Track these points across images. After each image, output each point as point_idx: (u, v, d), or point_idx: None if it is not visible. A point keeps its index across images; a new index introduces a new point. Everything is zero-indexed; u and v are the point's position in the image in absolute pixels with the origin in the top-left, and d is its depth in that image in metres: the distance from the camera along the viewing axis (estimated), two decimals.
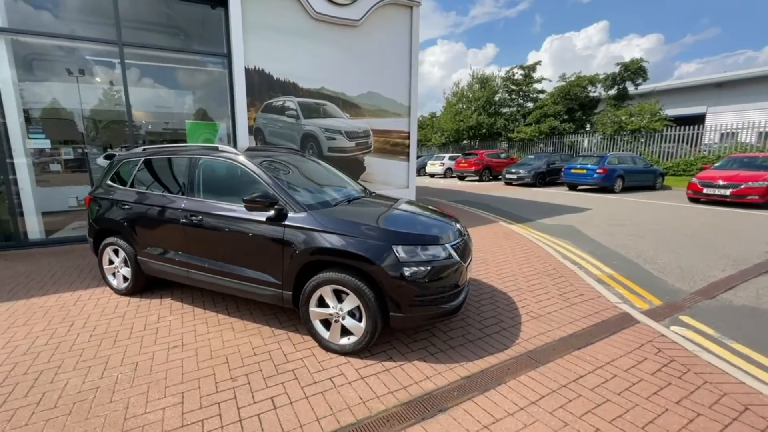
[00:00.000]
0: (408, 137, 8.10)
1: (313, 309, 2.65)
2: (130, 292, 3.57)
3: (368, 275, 2.46)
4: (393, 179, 8.04)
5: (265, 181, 2.86)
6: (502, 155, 19.87)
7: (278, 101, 6.44)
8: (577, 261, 4.97)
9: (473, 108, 27.57)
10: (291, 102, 6.53)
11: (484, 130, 27.02)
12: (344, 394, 2.24)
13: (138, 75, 6.22)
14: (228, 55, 5.91)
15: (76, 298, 3.57)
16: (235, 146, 5.14)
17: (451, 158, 21.18)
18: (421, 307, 2.49)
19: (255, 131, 6.31)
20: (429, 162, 22.06)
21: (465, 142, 28.73)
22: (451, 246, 2.65)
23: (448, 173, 21.05)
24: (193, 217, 3.01)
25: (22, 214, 5.36)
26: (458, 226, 3.05)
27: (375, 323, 2.48)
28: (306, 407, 2.11)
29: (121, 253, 3.49)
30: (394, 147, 7.94)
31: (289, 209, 2.70)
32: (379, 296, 2.46)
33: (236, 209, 2.87)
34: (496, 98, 27.81)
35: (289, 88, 6.50)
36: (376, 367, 2.51)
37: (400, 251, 2.43)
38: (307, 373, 2.44)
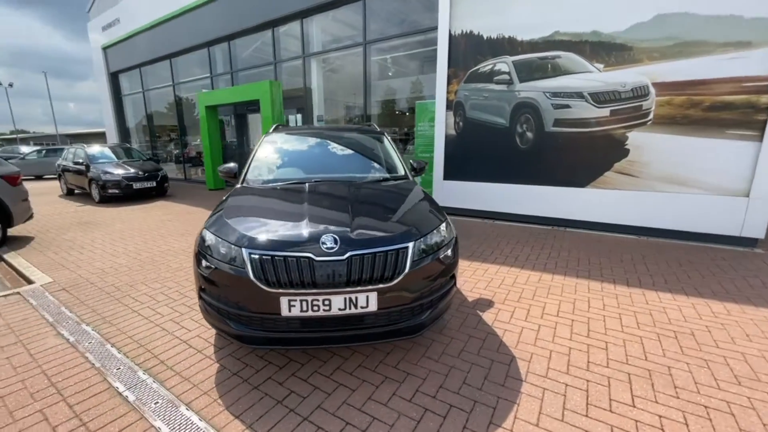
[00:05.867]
0: None
1: None
2: None
3: None
4: (696, 174, 4.57)
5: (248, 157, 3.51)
6: None
7: (486, 66, 5.70)
8: None
9: None
10: (503, 63, 5.55)
11: None
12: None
13: (377, 66, 7.95)
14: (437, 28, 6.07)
15: None
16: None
17: None
18: (207, 305, 2.23)
19: (455, 106, 6.05)
20: None
21: None
22: (254, 254, 2.03)
23: None
24: None
25: None
26: (338, 232, 2.07)
27: None
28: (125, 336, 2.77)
29: None
30: (713, 111, 4.44)
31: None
32: None
33: None
34: None
35: (502, 47, 5.53)
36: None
37: (206, 236, 2.34)
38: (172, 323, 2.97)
